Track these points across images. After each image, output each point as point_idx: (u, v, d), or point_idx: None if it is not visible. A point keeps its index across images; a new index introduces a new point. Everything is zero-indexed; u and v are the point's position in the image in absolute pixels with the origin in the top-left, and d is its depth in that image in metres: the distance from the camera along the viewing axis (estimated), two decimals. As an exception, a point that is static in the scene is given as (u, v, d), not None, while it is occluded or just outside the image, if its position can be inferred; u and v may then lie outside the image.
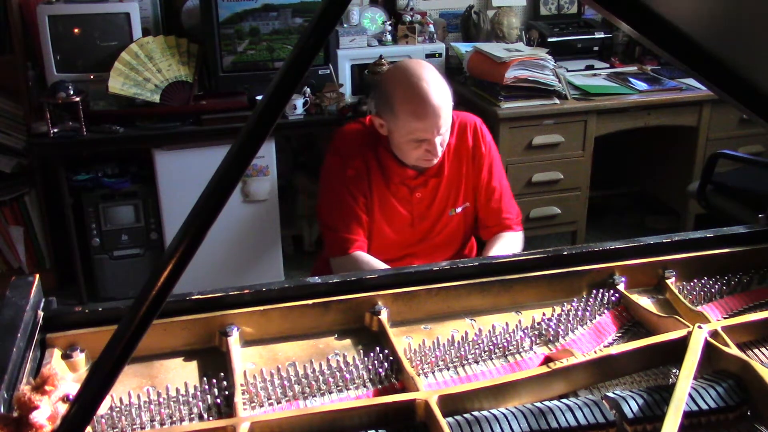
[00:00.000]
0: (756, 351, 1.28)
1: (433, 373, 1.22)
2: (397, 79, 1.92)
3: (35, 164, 3.31)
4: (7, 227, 3.33)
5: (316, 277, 1.37)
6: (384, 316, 1.33)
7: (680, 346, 1.19)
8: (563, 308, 1.37)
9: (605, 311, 1.37)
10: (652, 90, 3.56)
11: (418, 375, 1.19)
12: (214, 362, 1.25)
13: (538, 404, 1.10)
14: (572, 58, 3.86)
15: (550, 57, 3.38)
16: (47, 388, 1.00)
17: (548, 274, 1.43)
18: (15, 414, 0.99)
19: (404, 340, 1.31)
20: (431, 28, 3.76)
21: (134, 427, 1.08)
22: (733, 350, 1.19)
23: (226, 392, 1.15)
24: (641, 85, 3.58)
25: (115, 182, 3.29)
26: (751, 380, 1.13)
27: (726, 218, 2.97)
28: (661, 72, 3.78)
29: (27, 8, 3.21)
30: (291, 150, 3.87)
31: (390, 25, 3.72)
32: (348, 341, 1.32)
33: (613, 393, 1.12)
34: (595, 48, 3.98)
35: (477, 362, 1.25)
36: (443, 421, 1.04)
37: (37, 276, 1.28)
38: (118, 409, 1.10)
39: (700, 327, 1.23)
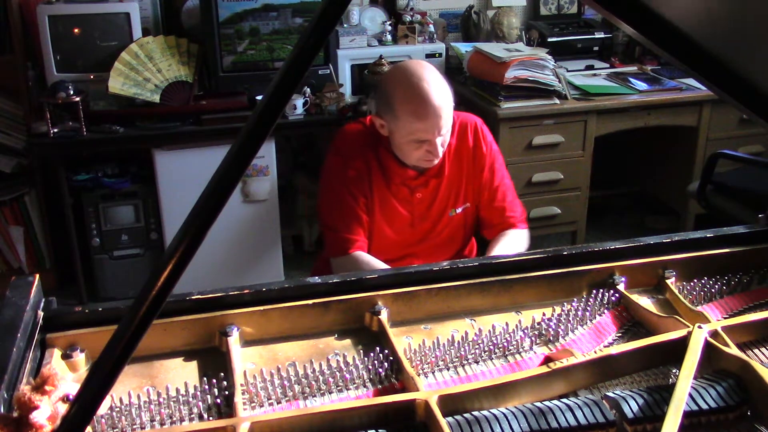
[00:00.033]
0: (756, 351, 1.28)
1: (433, 373, 1.22)
2: (398, 80, 1.92)
3: (35, 164, 3.31)
4: (7, 227, 3.33)
5: (316, 277, 1.37)
6: (384, 316, 1.33)
7: (680, 346, 1.19)
8: (563, 308, 1.37)
9: (605, 311, 1.37)
10: (652, 90, 3.56)
11: (418, 375, 1.19)
12: (214, 362, 1.25)
13: (538, 404, 1.10)
14: (572, 58, 3.86)
15: (550, 57, 3.38)
16: (47, 388, 1.00)
17: (548, 274, 1.43)
18: (15, 414, 0.99)
19: (404, 340, 1.31)
20: (431, 28, 3.76)
21: (134, 427, 1.08)
22: (733, 350, 1.19)
23: (226, 392, 1.15)
24: (641, 85, 3.58)
25: (115, 182, 3.29)
26: (751, 380, 1.14)
27: (726, 218, 2.97)
28: (661, 72, 3.78)
29: (27, 8, 3.20)
30: (291, 150, 3.87)
31: (390, 25, 3.72)
32: (348, 341, 1.32)
33: (613, 393, 1.12)
34: (595, 48, 3.98)
35: (477, 362, 1.25)
36: (443, 421, 1.04)
37: (37, 276, 1.28)
38: (118, 409, 1.10)
39: (700, 327, 1.23)
